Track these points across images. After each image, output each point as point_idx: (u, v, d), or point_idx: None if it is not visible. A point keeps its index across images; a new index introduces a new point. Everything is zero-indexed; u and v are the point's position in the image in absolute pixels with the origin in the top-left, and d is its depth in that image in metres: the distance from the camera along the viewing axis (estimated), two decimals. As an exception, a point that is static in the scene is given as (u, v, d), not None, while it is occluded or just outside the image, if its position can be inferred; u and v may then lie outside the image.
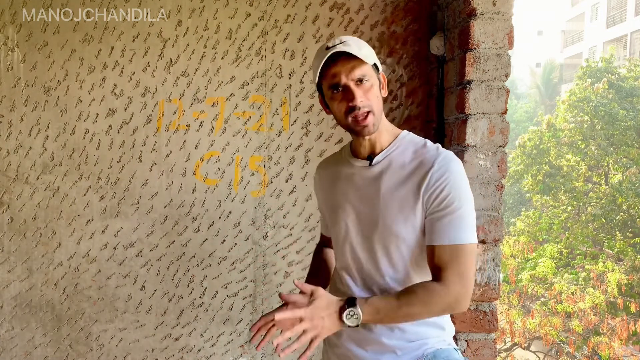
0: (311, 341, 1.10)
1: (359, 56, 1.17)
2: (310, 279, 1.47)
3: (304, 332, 1.09)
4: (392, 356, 1.26)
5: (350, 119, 1.21)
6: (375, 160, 1.27)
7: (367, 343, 1.28)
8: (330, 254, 1.51)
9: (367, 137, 1.26)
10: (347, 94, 1.20)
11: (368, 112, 1.20)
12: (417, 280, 1.25)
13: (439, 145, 1.26)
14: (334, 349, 1.37)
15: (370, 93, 1.21)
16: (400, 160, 1.25)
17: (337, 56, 1.19)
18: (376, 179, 1.26)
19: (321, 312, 1.11)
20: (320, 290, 1.13)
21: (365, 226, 1.27)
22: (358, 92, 1.19)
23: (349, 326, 1.12)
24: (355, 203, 1.29)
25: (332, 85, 1.22)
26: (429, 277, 1.23)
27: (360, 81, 1.20)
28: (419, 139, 1.29)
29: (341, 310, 1.12)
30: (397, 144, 1.28)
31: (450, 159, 1.21)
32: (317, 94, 2.15)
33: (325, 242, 1.55)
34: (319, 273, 1.49)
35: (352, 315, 1.12)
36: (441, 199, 1.18)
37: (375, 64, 1.24)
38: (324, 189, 1.42)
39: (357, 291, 1.30)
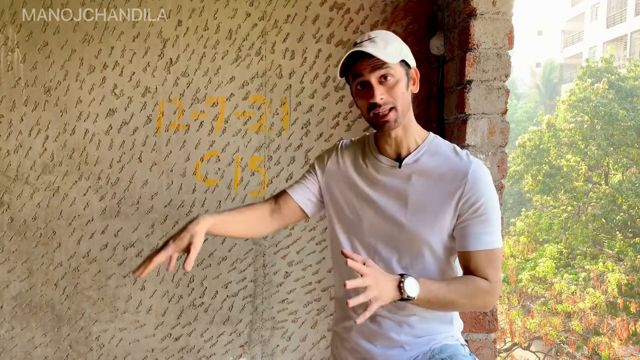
0: (369, 305, 1.06)
1: (380, 57, 1.17)
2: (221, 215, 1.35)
3: (366, 290, 1.05)
4: (400, 351, 1.28)
5: (372, 114, 1.22)
6: (404, 162, 1.27)
7: (376, 338, 1.29)
8: (263, 217, 1.39)
9: (392, 136, 1.26)
10: (369, 91, 1.21)
11: (391, 108, 1.21)
12: None
13: (467, 151, 1.28)
14: (343, 343, 1.37)
15: (395, 90, 1.21)
16: (430, 164, 1.26)
17: (361, 53, 1.19)
18: (405, 182, 1.26)
19: (382, 278, 1.08)
20: (370, 261, 1.11)
21: (390, 227, 1.27)
22: (379, 89, 1.20)
23: (407, 297, 1.09)
24: (380, 201, 1.28)
25: (356, 81, 1.23)
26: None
27: (384, 78, 1.20)
28: (447, 144, 1.30)
29: (400, 281, 1.10)
30: (425, 147, 1.28)
31: (481, 167, 1.24)
32: (317, 94, 2.16)
33: (277, 203, 1.39)
34: (232, 217, 1.38)
35: (411, 286, 1.10)
36: (476, 206, 1.21)
37: (404, 60, 1.24)
38: (344, 170, 1.36)
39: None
